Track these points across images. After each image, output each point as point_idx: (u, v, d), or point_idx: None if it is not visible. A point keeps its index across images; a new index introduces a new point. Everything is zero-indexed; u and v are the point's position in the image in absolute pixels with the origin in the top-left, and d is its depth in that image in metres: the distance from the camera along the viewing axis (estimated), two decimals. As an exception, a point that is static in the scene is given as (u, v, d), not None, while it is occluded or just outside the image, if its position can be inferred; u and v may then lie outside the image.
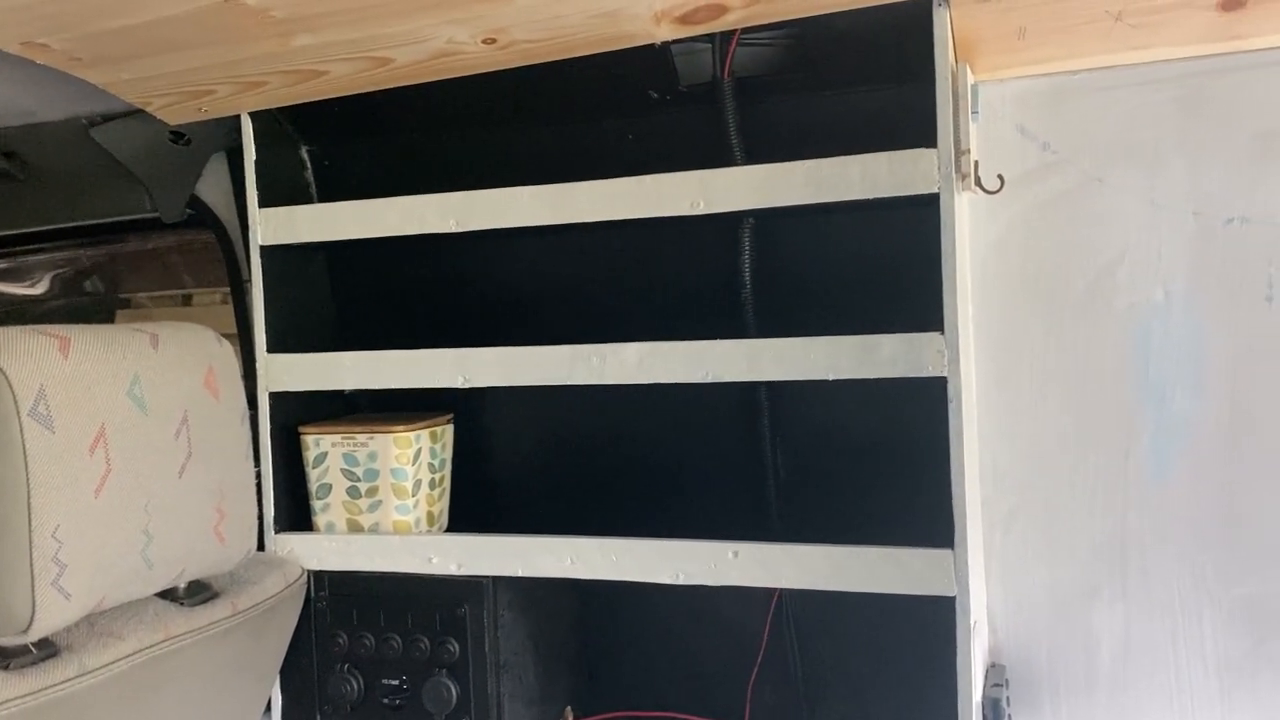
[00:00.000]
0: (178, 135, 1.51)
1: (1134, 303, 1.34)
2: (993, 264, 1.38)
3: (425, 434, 1.37)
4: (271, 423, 1.39)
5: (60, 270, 2.44)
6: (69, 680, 0.95)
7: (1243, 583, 1.32)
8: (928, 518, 1.15)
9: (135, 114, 1.45)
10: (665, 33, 1.20)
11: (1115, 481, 1.36)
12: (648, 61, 1.26)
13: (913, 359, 1.14)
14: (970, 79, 1.20)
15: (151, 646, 1.05)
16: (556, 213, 1.27)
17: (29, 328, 0.96)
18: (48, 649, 0.96)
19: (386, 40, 1.21)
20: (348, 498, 1.36)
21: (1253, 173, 1.29)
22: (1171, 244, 1.32)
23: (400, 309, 1.56)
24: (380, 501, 1.35)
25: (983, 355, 1.39)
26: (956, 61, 1.20)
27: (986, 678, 1.31)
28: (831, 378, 1.17)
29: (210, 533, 1.12)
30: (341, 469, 1.36)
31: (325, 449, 1.37)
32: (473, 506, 1.48)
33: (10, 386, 0.91)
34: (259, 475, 1.35)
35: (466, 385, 1.31)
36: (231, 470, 1.16)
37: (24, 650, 0.95)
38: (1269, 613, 1.32)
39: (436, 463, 1.40)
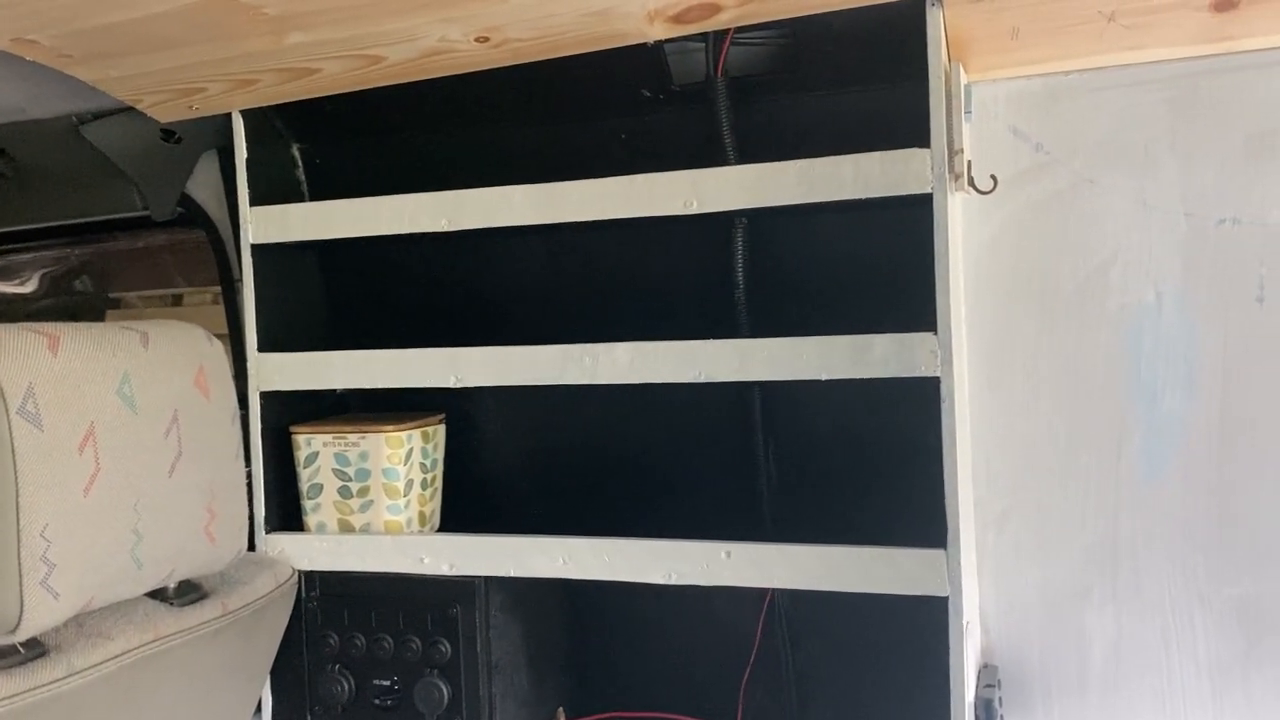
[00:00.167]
0: (168, 133, 1.51)
1: (1126, 303, 1.34)
2: (985, 264, 1.39)
3: (417, 434, 1.37)
4: (262, 422, 1.38)
5: (50, 269, 2.43)
6: (57, 681, 0.95)
7: (1234, 583, 1.32)
8: (920, 518, 1.15)
9: (126, 111, 1.44)
10: (658, 32, 1.19)
11: (1107, 482, 1.36)
12: (641, 61, 1.26)
13: (905, 359, 1.14)
14: (963, 79, 1.20)
15: (141, 647, 1.04)
16: (548, 212, 1.27)
17: (18, 325, 0.95)
18: (36, 649, 0.96)
19: (379, 38, 1.21)
20: (339, 497, 1.36)
21: (1245, 174, 1.29)
22: (1163, 245, 1.32)
23: (392, 308, 1.56)
24: (372, 501, 1.35)
25: (975, 355, 1.39)
26: (950, 61, 1.20)
27: (979, 678, 1.31)
28: (824, 378, 1.17)
29: (200, 532, 1.11)
30: (333, 469, 1.36)
31: (316, 449, 1.36)
32: (464, 506, 1.48)
33: (-2, 384, 0.90)
34: (250, 475, 1.34)
35: (458, 385, 1.31)
36: (222, 470, 1.15)
37: (12, 650, 0.94)
38: (1260, 613, 1.32)
39: (428, 462, 1.40)
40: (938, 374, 1.13)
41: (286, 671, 1.36)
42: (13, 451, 0.90)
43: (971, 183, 1.23)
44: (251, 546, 1.34)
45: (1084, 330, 1.36)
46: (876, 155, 1.14)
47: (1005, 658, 1.41)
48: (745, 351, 1.20)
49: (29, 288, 2.44)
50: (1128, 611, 1.37)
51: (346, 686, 1.33)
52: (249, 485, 1.31)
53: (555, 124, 1.43)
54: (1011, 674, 1.41)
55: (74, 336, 0.98)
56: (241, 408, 1.22)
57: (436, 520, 1.44)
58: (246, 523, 1.21)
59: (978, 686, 1.27)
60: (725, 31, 1.24)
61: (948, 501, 1.14)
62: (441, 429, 1.43)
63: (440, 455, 1.44)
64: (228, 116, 1.41)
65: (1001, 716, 1.28)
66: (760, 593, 1.40)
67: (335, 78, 1.30)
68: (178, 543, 1.08)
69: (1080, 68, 1.32)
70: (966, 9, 1.14)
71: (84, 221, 1.76)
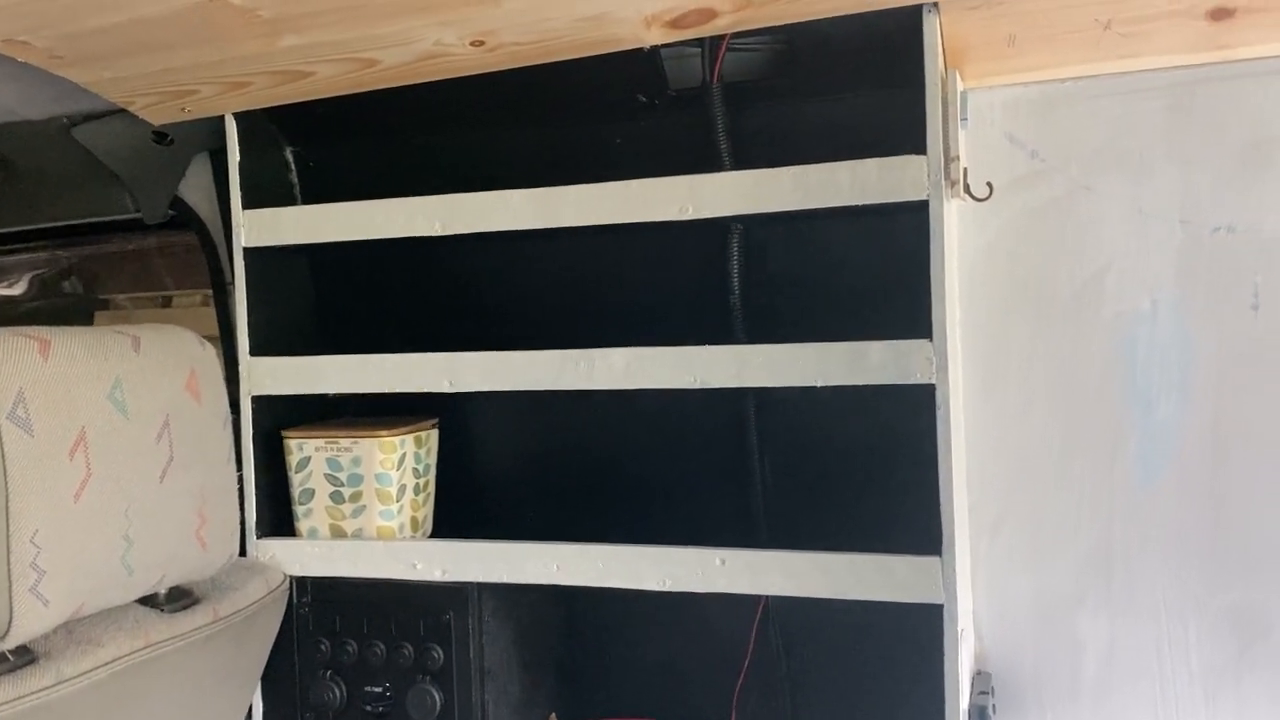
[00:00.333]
0: (161, 135, 1.50)
1: (1121, 310, 1.34)
2: (981, 271, 1.39)
3: (410, 439, 1.36)
4: (254, 427, 1.38)
5: (39, 271, 2.41)
6: (46, 689, 0.94)
7: (1228, 590, 1.33)
8: (915, 525, 1.15)
9: (118, 113, 1.43)
10: (655, 37, 1.19)
11: (1101, 489, 1.36)
12: (637, 66, 1.25)
13: (901, 366, 1.14)
14: (960, 86, 1.20)
15: (131, 654, 1.03)
16: (543, 217, 1.27)
17: (8, 329, 0.94)
18: (25, 656, 0.95)
19: (374, 41, 1.20)
20: (331, 503, 1.35)
21: (1240, 182, 1.29)
22: (1159, 252, 1.33)
23: (385, 312, 1.55)
24: (364, 506, 1.34)
25: (970, 362, 1.39)
26: (946, 68, 1.20)
27: (972, 685, 1.31)
28: (820, 384, 1.17)
29: (191, 538, 1.11)
30: (325, 474, 1.35)
31: (308, 453, 1.36)
32: (457, 512, 1.47)
33: (-12, 389, 0.89)
34: (241, 480, 1.34)
35: (452, 390, 1.30)
36: (213, 475, 1.15)
37: (0, 658, 0.93)
38: (1254, 620, 1.32)
39: (421, 468, 1.39)
40: (933, 381, 1.13)
41: (278, 678, 1.35)
42: (2, 457, 0.90)
43: (967, 190, 1.23)
44: (243, 552, 1.33)
45: (1079, 337, 1.36)
46: (873, 162, 1.14)
47: (999, 664, 1.41)
48: (742, 357, 1.20)
49: (18, 290, 2.42)
50: (1121, 618, 1.37)
51: (338, 693, 1.32)
52: (240, 490, 1.30)
53: (550, 128, 1.43)
54: (1005, 681, 1.41)
55: (65, 341, 0.97)
56: (233, 412, 1.22)
57: (429, 526, 1.43)
58: (238, 528, 1.21)
59: (972, 693, 1.27)
60: (721, 37, 1.23)
61: (942, 508, 1.13)
62: (435, 434, 1.43)
63: (433, 460, 1.43)
64: (220, 119, 1.40)
65: (995, 724, 1.29)
66: (754, 599, 1.39)
67: (329, 81, 1.30)
68: (169, 548, 1.08)
69: (1076, 75, 1.33)
70: (963, 16, 1.14)
71: (74, 224, 1.75)
